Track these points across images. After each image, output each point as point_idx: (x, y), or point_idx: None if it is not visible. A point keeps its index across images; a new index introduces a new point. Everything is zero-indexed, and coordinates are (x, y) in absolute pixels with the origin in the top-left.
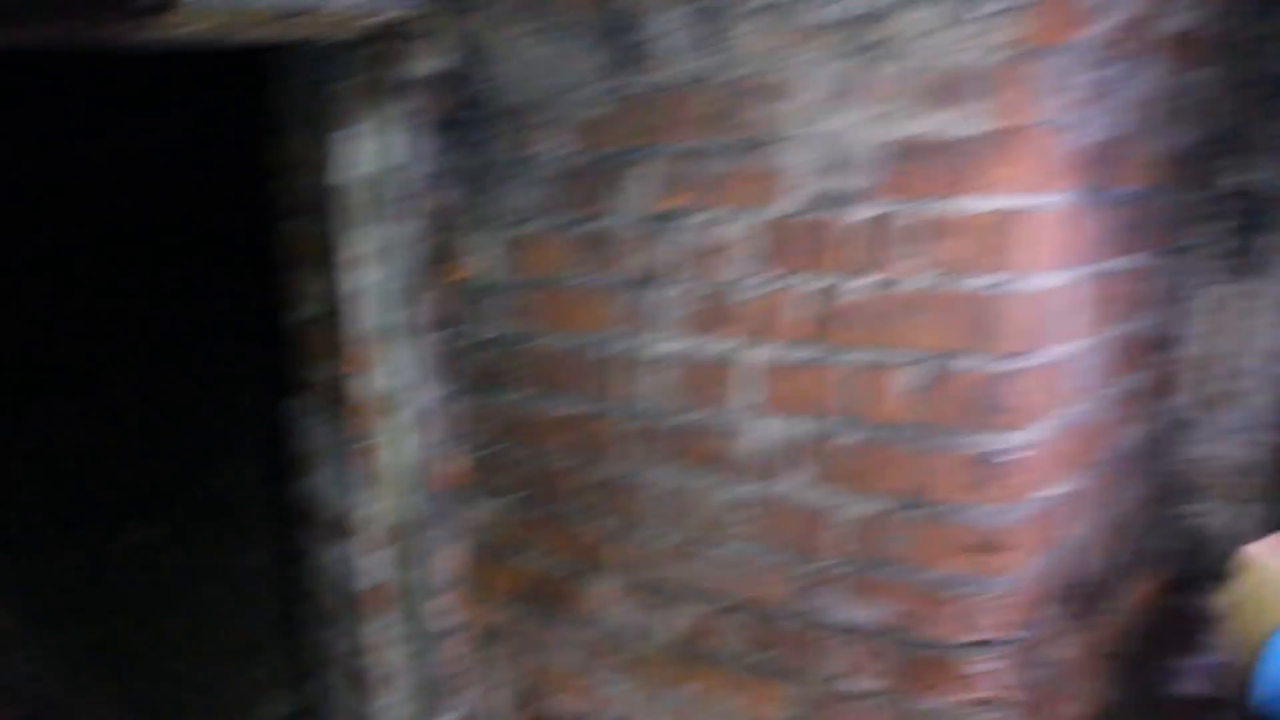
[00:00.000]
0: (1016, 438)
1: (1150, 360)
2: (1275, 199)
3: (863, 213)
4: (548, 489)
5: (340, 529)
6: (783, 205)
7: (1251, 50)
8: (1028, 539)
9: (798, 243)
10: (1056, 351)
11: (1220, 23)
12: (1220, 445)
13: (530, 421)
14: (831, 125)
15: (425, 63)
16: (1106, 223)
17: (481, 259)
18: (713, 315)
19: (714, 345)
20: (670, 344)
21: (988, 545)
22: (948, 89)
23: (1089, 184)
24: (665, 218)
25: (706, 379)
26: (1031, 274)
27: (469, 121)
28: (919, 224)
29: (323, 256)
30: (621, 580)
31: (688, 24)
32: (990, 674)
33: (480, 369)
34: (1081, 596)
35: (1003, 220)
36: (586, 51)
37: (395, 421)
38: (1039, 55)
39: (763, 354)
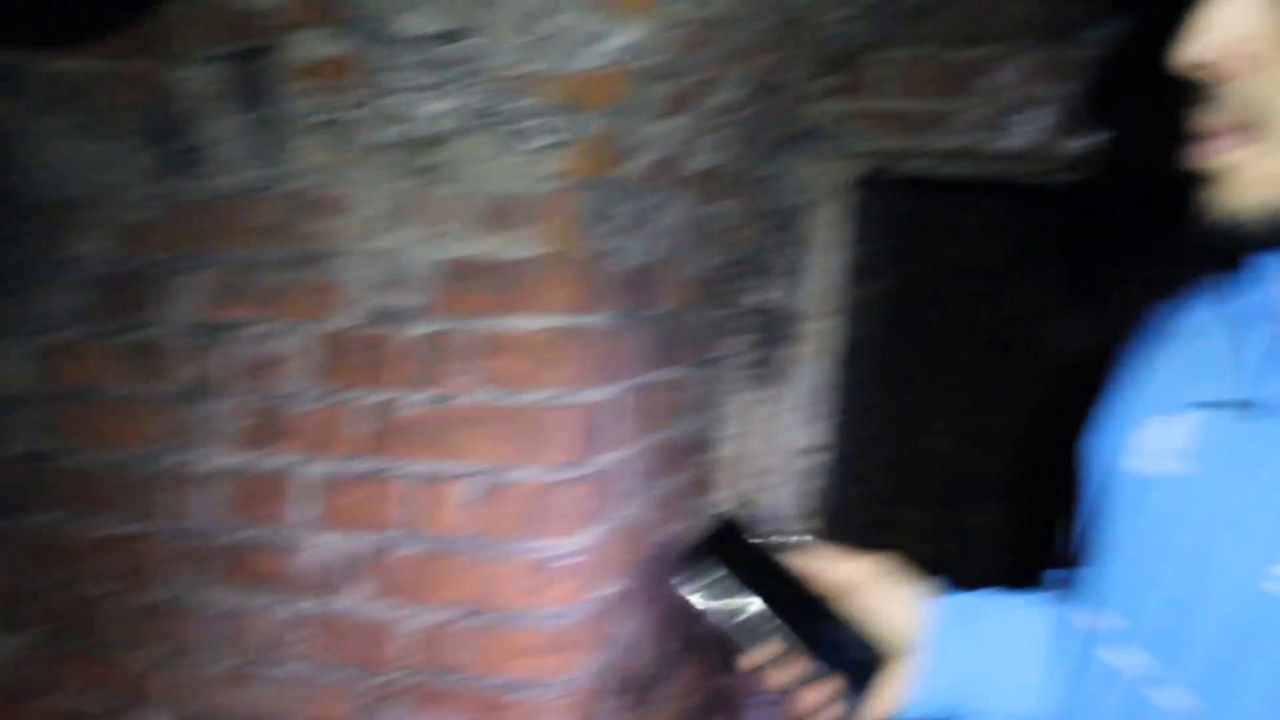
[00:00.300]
0: (570, 543)
1: (689, 463)
2: (788, 316)
3: (419, 329)
4: (83, 619)
5: None
6: (341, 319)
7: (763, 186)
8: (584, 639)
9: (356, 357)
10: (604, 460)
11: (738, 162)
12: (758, 536)
13: (63, 545)
14: (389, 242)
15: None
16: (645, 339)
17: (6, 368)
18: (268, 429)
19: (270, 460)
20: (223, 459)
21: (547, 648)
22: (500, 214)
23: (628, 305)
24: (219, 328)
25: (262, 494)
26: (579, 388)
27: None
28: (473, 341)
29: None
30: (170, 712)
31: (245, 133)
32: None
33: (2, 490)
34: (637, 688)
35: (551, 338)
36: (134, 152)
37: None
38: (582, 187)
39: (320, 469)
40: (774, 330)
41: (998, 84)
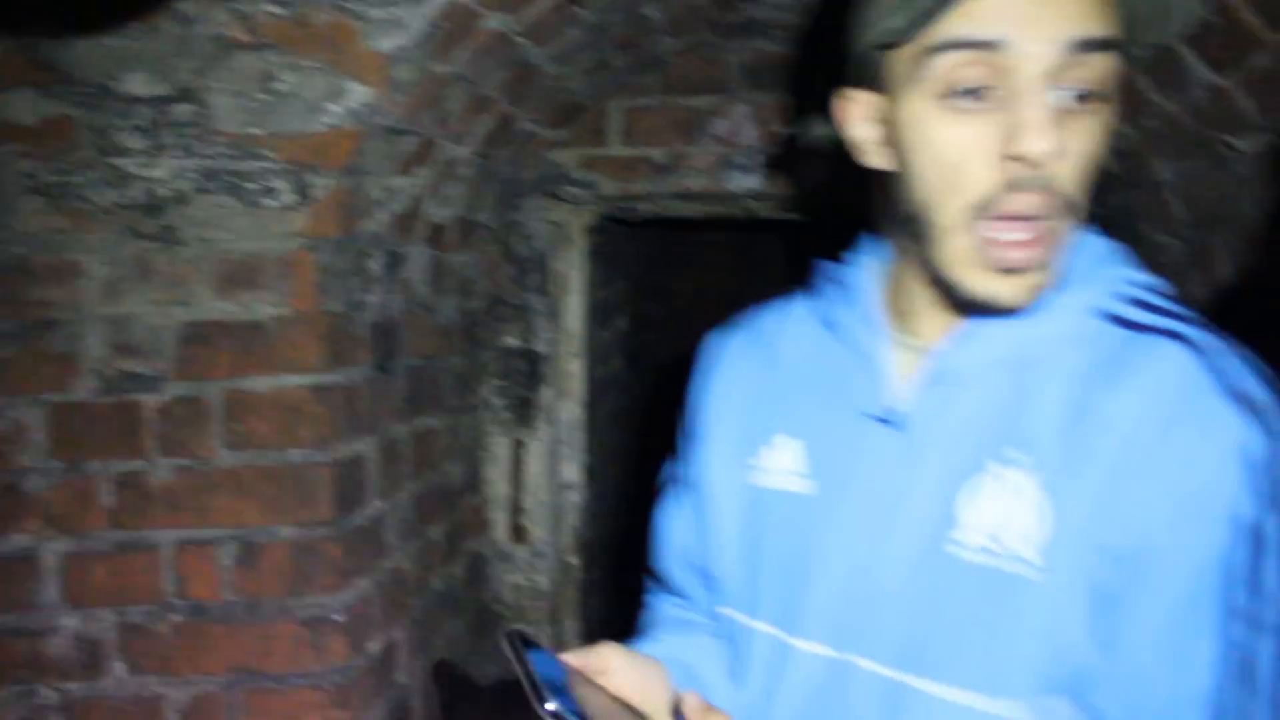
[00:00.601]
0: (337, 599)
1: (452, 508)
2: (540, 358)
3: (163, 394)
4: None
5: None
6: (79, 389)
7: (508, 233)
8: (362, 693)
9: (98, 427)
10: (364, 513)
11: (480, 212)
12: (524, 575)
13: None
14: (126, 307)
15: None
16: (397, 390)
17: None
18: (9, 509)
19: (12, 541)
20: None
21: (326, 704)
22: (239, 275)
23: (377, 358)
24: None
25: (7, 577)
26: (332, 444)
27: None
28: (220, 404)
29: None
30: None
31: None
32: None
33: None
34: None
35: (300, 397)
36: None
37: None
38: (322, 245)
39: (68, 545)
40: (528, 373)
41: (724, 129)
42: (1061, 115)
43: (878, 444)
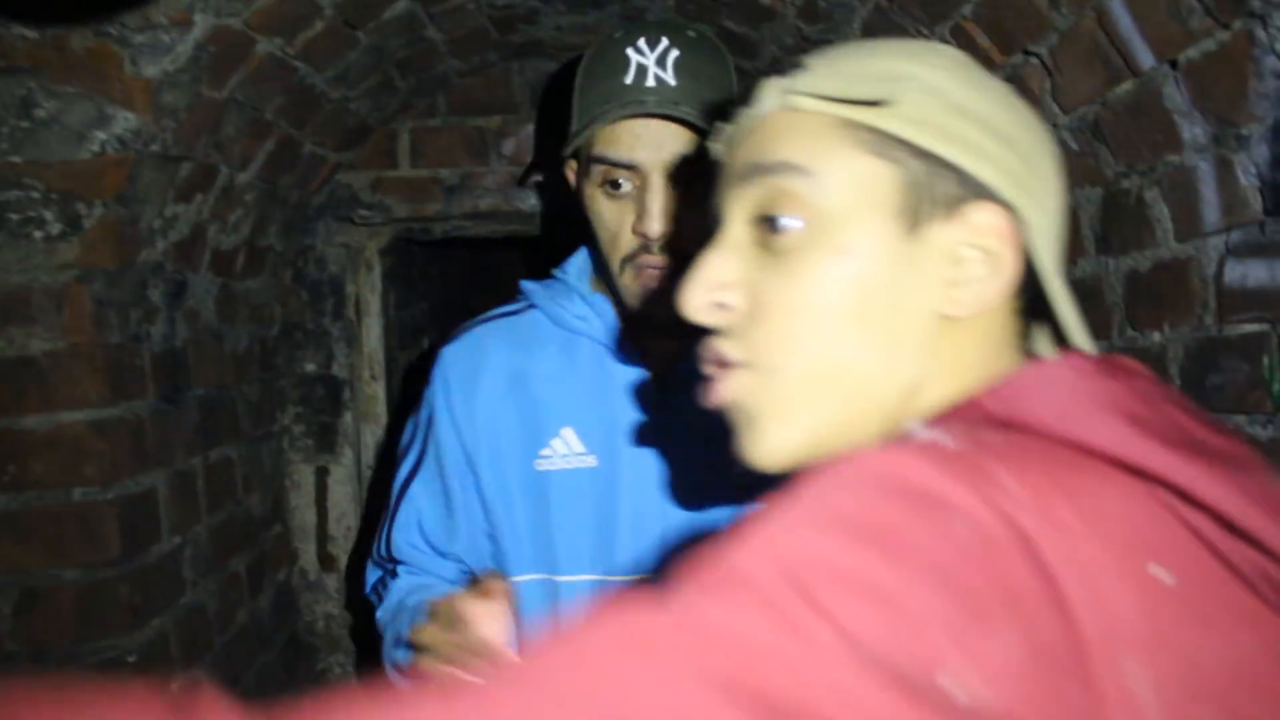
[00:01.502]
0: (130, 640)
1: (257, 538)
2: (340, 382)
3: None
4: None
5: None
6: None
7: (302, 258)
8: None
9: None
10: (161, 549)
11: (269, 237)
12: (336, 603)
13: None
14: None
15: None
16: (187, 422)
17: None
18: None
19: None
20: None
21: None
22: (9, 308)
23: (163, 390)
24: None
25: None
26: (117, 481)
27: None
28: None
29: None
30: None
31: None
32: None
33: None
34: None
35: (79, 433)
36: None
37: None
38: (97, 276)
39: None
40: (328, 398)
41: (514, 149)
42: (675, 201)
43: (642, 418)
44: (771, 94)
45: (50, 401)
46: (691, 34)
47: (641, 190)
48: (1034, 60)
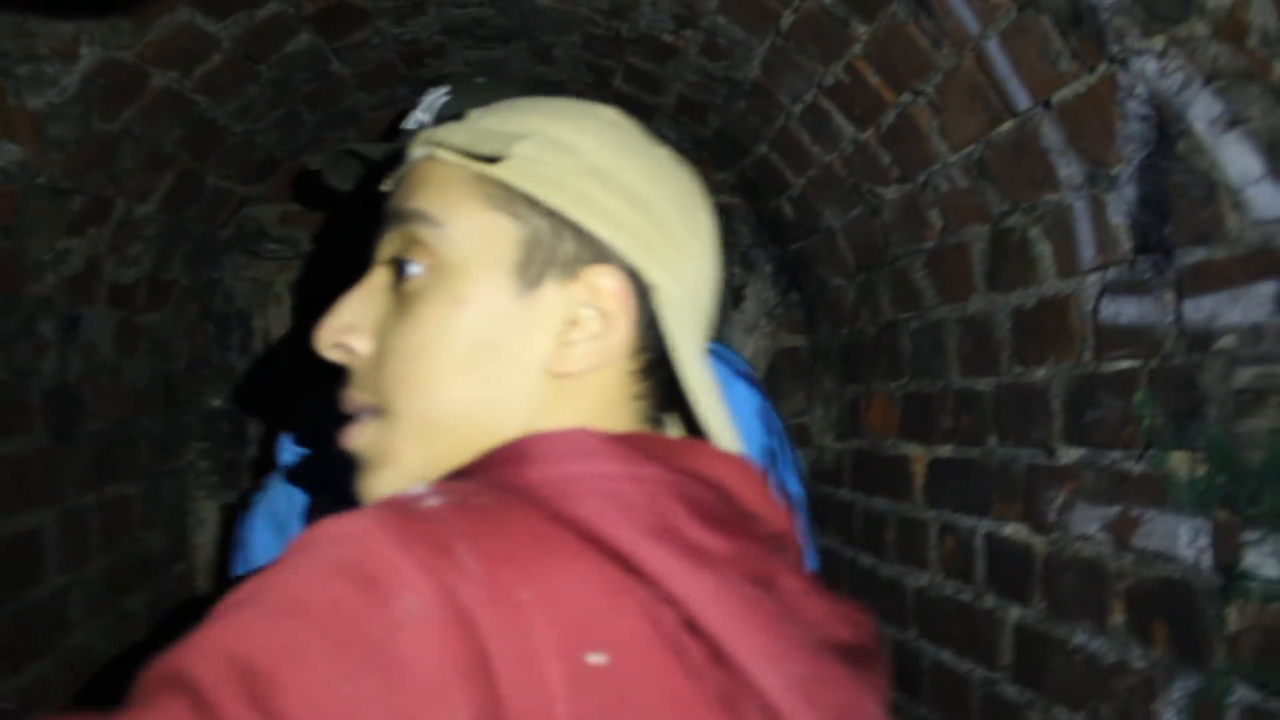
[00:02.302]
0: (13, 684)
1: (157, 576)
2: (247, 418)
3: None
4: None
5: None
6: None
7: (206, 291)
8: None
9: None
10: (45, 589)
11: (170, 270)
12: None
13: None
14: None
15: None
16: (80, 459)
17: None
18: None
19: None
20: None
21: None
22: None
23: (55, 425)
24: None
25: None
26: (3, 518)
27: None
28: None
29: None
30: None
31: None
32: None
33: None
34: None
35: None
36: None
37: None
38: None
39: None
40: (233, 434)
41: None
42: None
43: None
44: (421, 143)
45: None
46: (480, 80)
47: None
48: (922, 99)
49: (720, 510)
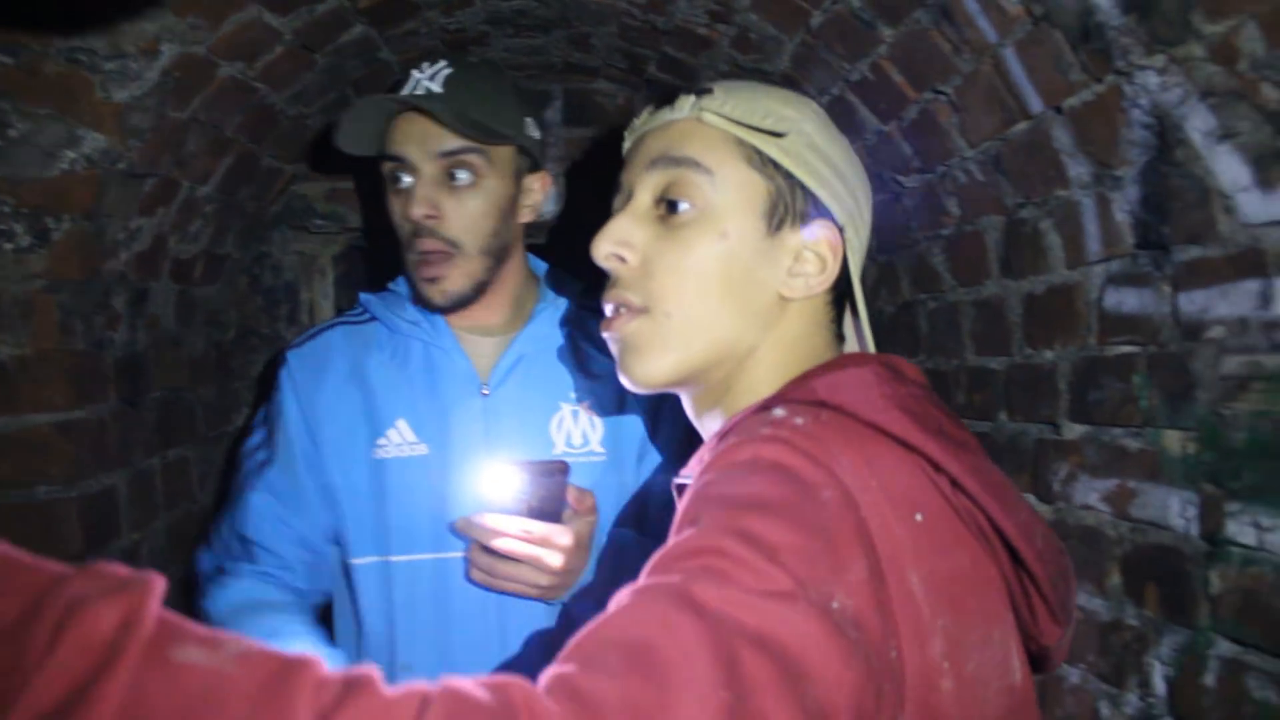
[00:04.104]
0: None
1: None
2: None
3: None
4: None
5: None
6: None
7: (256, 265)
8: None
9: None
10: (114, 548)
11: (225, 246)
12: None
13: None
14: None
15: None
16: (146, 424)
17: None
18: None
19: None
20: None
21: None
22: None
23: (124, 393)
24: None
25: None
26: (80, 481)
27: None
28: None
29: None
30: None
31: None
32: None
33: None
34: None
35: (46, 435)
36: None
37: None
38: (66, 286)
39: None
40: None
41: None
42: (442, 190)
43: (469, 409)
44: (686, 105)
45: (17, 404)
46: (473, 60)
47: (415, 179)
48: (942, 98)
49: (943, 406)
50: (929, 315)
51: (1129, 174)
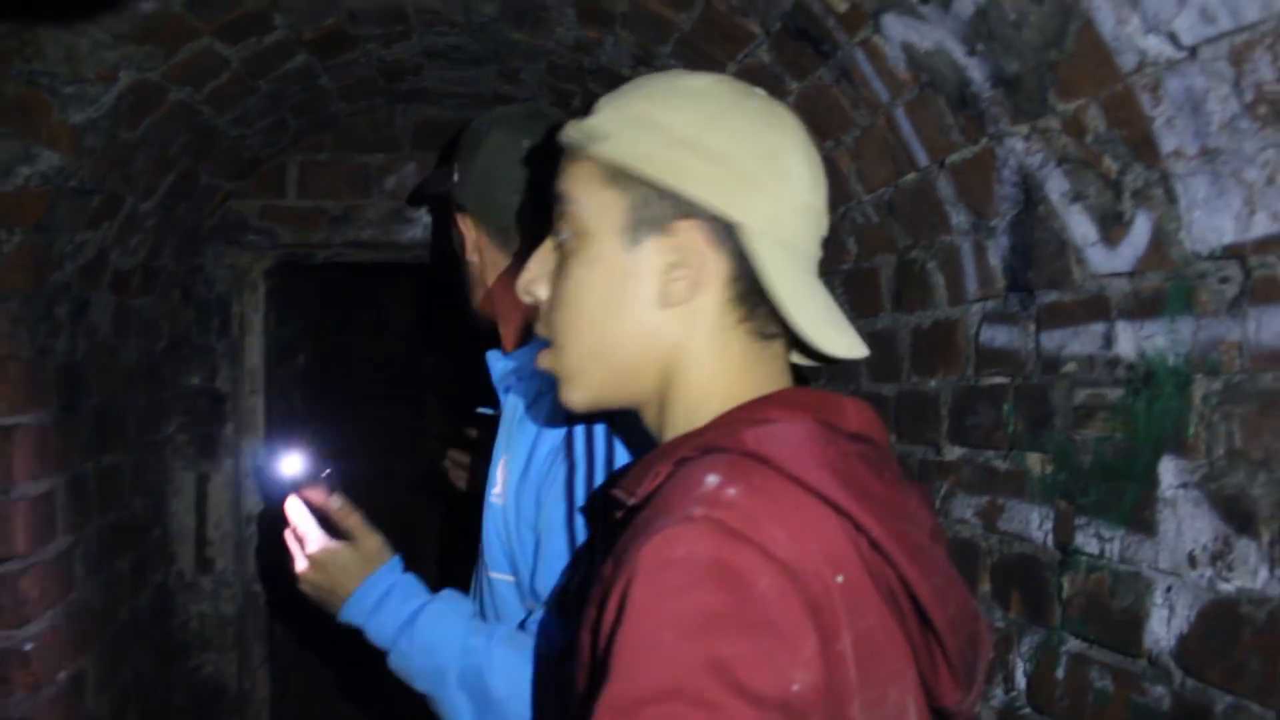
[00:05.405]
0: (24, 632)
1: (140, 540)
2: (223, 395)
3: None
4: None
5: None
6: None
7: (190, 278)
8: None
9: None
10: (50, 548)
11: (162, 258)
12: (210, 603)
13: None
14: None
15: None
16: (82, 430)
17: None
18: None
19: None
20: None
21: None
22: None
23: (63, 400)
24: None
25: None
26: (20, 483)
27: None
28: None
29: None
30: None
31: None
32: None
33: None
34: None
35: None
36: None
37: None
38: (13, 297)
39: None
40: (210, 410)
41: (394, 185)
42: None
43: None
44: (567, 134)
45: None
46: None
47: None
48: (843, 146)
49: (872, 454)
50: None
51: (1000, 224)
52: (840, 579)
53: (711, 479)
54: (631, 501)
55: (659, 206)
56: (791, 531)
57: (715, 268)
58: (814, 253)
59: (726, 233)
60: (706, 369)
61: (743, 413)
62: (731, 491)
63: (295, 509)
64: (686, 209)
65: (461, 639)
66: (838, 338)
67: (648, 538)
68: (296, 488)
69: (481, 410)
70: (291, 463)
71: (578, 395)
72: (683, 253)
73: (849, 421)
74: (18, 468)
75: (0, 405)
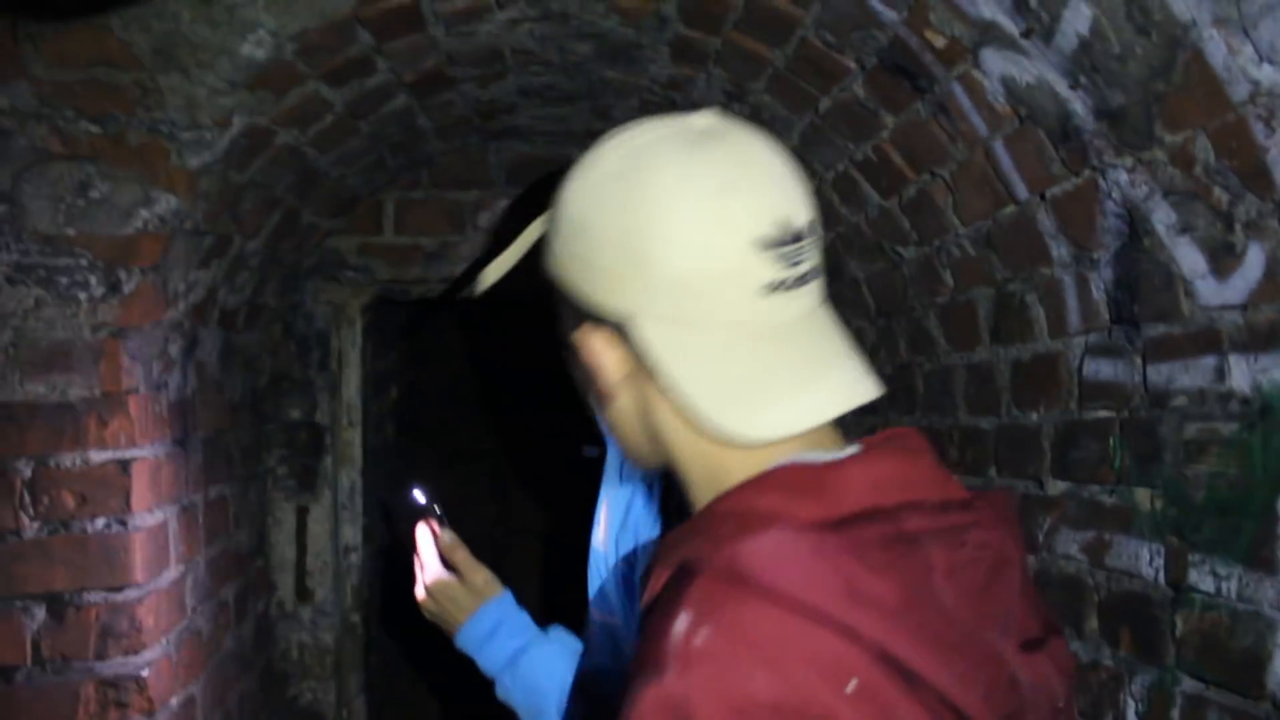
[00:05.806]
0: (141, 658)
1: (243, 569)
2: (322, 428)
3: None
4: None
5: None
6: None
7: (291, 314)
8: None
9: None
10: (164, 577)
11: (265, 295)
12: (309, 633)
13: None
14: None
15: None
16: (192, 463)
17: None
18: None
19: None
20: None
21: None
22: (51, 359)
23: (175, 433)
24: None
25: None
26: (138, 514)
27: None
28: (33, 479)
29: None
30: None
31: None
32: None
33: None
34: None
35: (106, 471)
36: None
37: None
38: (131, 334)
39: None
40: (310, 443)
41: (488, 222)
42: None
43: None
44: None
45: (85, 442)
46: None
47: None
48: (938, 179)
49: (876, 534)
50: (924, 377)
51: (1104, 257)
52: (852, 685)
53: (680, 624)
54: (645, 602)
55: (571, 312)
56: (774, 664)
57: (621, 365)
58: (745, 310)
59: (617, 328)
60: (688, 450)
61: (734, 502)
62: (700, 639)
63: (422, 537)
64: (585, 312)
65: (560, 681)
66: (761, 415)
67: (631, 699)
68: (421, 518)
69: (587, 451)
70: (419, 495)
71: (630, 459)
72: (589, 354)
73: (849, 498)
74: (135, 499)
75: (120, 438)
